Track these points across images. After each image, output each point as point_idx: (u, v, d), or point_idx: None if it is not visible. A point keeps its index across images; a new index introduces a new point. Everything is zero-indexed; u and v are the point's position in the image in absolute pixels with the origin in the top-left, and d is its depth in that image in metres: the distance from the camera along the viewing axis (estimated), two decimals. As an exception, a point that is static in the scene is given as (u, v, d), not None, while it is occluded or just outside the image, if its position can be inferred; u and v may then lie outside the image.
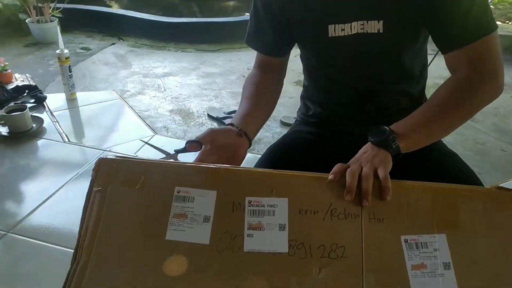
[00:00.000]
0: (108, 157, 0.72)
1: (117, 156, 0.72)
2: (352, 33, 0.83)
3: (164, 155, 0.80)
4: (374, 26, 0.81)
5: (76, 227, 1.18)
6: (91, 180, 0.68)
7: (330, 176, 0.69)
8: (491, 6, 4.27)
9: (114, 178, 0.68)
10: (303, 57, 1.00)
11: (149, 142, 1.81)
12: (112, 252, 0.64)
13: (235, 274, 0.62)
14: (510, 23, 4.17)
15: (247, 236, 0.65)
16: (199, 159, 0.77)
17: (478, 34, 0.75)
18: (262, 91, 0.92)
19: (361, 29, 0.82)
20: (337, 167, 0.70)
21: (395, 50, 0.85)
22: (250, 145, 0.81)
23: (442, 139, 0.97)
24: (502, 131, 2.35)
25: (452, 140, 2.21)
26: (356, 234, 0.65)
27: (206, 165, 0.72)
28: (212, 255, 0.63)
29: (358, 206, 0.67)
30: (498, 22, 4.27)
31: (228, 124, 0.82)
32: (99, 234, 0.65)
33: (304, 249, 0.64)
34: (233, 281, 0.62)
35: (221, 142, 0.77)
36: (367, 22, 0.81)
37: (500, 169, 2.03)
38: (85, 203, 0.67)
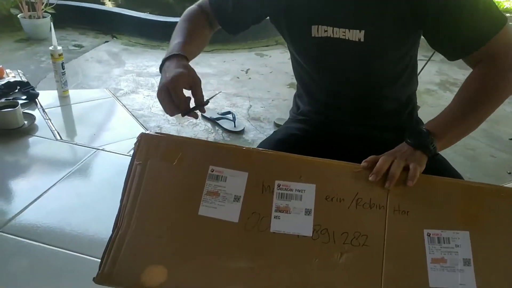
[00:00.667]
0: (149, 132, 0.77)
1: (157, 133, 0.76)
2: (334, 36, 0.84)
3: None
4: (355, 35, 0.81)
5: (68, 226, 1.17)
6: (133, 153, 0.73)
7: (363, 164, 0.72)
8: None
9: (153, 153, 0.74)
10: (291, 55, 1.01)
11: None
12: (149, 223, 0.69)
13: (260, 253, 0.66)
14: None
15: (274, 217, 0.68)
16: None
17: (489, 35, 0.75)
18: (199, 31, 0.92)
19: (343, 35, 0.83)
20: (371, 157, 0.73)
21: (376, 58, 0.86)
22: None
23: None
24: (492, 137, 2.38)
25: (444, 146, 2.24)
26: (380, 224, 0.67)
27: (240, 147, 0.76)
28: (240, 233, 0.67)
29: (384, 198, 0.69)
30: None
31: (177, 55, 0.79)
32: (138, 204, 0.70)
33: (328, 234, 0.67)
34: (258, 259, 0.66)
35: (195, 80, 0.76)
36: (349, 30, 0.82)
37: (491, 175, 2.06)
38: (126, 175, 0.72)
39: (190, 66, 0.78)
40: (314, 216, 0.68)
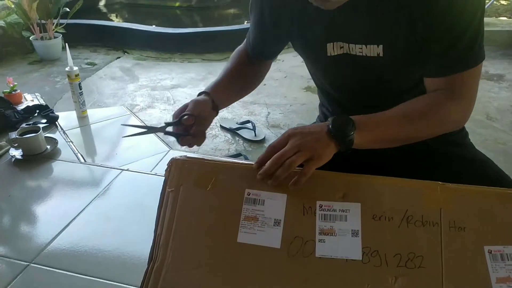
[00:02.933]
0: (180, 157, 0.74)
1: (187, 157, 0.74)
2: (351, 53, 0.81)
3: (145, 131, 0.83)
4: (373, 50, 0.78)
5: (100, 253, 1.14)
6: (164, 180, 0.71)
7: (255, 165, 0.70)
8: (495, 2, 4.25)
9: (186, 179, 0.71)
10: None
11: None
12: (186, 253, 0.66)
13: (307, 280, 0.62)
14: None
15: (319, 241, 0.64)
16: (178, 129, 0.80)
17: (463, 67, 0.74)
18: (244, 70, 0.95)
19: (359, 51, 0.80)
20: (265, 153, 0.70)
21: (396, 73, 0.82)
22: (217, 114, 0.87)
23: (470, 140, 0.97)
24: (521, 129, 2.30)
25: (472, 141, 2.15)
26: (435, 243, 0.63)
27: None
28: (284, 259, 0.64)
29: (437, 214, 0.64)
30: (503, 18, 4.26)
31: (203, 93, 0.85)
32: (173, 234, 0.67)
33: (379, 257, 0.62)
34: (304, 287, 0.62)
35: (203, 114, 0.81)
36: (366, 46, 0.78)
37: (525, 169, 1.97)
38: (159, 204, 0.69)
39: (200, 101, 0.82)
40: (362, 238, 0.64)
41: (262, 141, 2.25)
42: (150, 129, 0.83)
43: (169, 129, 0.80)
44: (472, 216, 0.64)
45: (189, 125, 0.80)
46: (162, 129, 0.80)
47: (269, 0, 0.87)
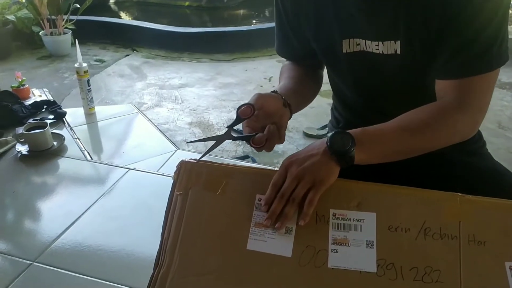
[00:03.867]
0: (189, 160, 0.71)
1: (197, 160, 0.71)
2: (368, 50, 0.77)
3: (214, 140, 0.73)
4: (391, 47, 0.74)
5: (105, 254, 1.11)
6: (173, 183, 0.69)
7: (263, 208, 0.65)
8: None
9: (195, 182, 0.68)
10: (326, 69, 0.96)
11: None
12: (194, 259, 0.63)
13: None
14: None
15: (332, 251, 0.62)
16: (248, 124, 0.71)
17: (479, 70, 0.69)
18: (303, 76, 0.89)
19: (376, 49, 0.76)
20: (269, 192, 0.65)
21: (414, 71, 0.78)
22: (290, 117, 0.77)
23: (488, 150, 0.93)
24: (534, 138, 2.25)
25: (483, 150, 2.13)
26: (453, 257, 0.60)
27: None
28: (295, 269, 0.61)
29: (456, 226, 0.61)
30: None
31: (272, 91, 0.77)
32: (180, 239, 0.65)
33: (395, 270, 0.60)
34: None
35: (270, 108, 0.71)
36: (383, 43, 0.75)
37: (539, 180, 1.93)
38: (167, 207, 0.67)
39: (265, 94, 0.73)
40: (377, 249, 0.61)
41: (270, 143, 2.23)
42: (217, 139, 0.73)
43: (234, 133, 0.71)
44: (493, 230, 0.61)
45: (251, 119, 0.69)
46: (228, 136, 0.71)
47: (285, 1, 0.84)
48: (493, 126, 2.36)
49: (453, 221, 0.62)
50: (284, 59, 0.98)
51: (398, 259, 0.60)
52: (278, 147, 2.20)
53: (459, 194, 0.65)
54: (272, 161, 2.09)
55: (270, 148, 0.71)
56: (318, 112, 2.57)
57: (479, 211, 0.62)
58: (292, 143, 2.24)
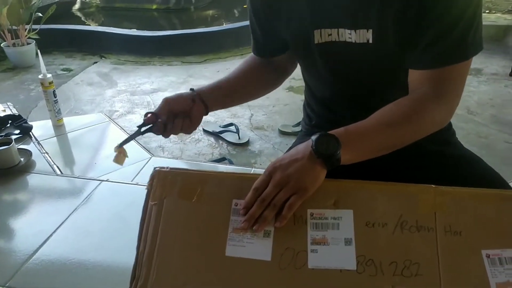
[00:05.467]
0: (163, 168, 0.70)
1: (171, 168, 0.70)
2: (340, 40, 0.77)
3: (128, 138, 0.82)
4: (363, 36, 0.74)
5: (80, 271, 1.07)
6: (147, 193, 0.67)
7: (241, 211, 0.65)
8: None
9: (169, 191, 0.67)
10: (300, 65, 0.95)
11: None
12: (172, 270, 0.62)
13: None
14: (492, 12, 4.20)
15: (311, 251, 0.61)
16: (158, 128, 0.79)
17: (454, 60, 0.69)
18: (248, 77, 0.92)
19: (349, 37, 0.76)
20: (250, 196, 0.65)
21: (387, 61, 0.77)
22: (206, 112, 0.84)
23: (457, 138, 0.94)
24: (502, 122, 2.32)
25: (455, 136, 2.18)
26: (431, 249, 0.60)
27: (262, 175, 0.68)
28: (275, 272, 0.60)
29: (431, 218, 0.62)
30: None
31: (191, 89, 0.85)
32: (157, 250, 0.63)
33: (374, 265, 0.60)
34: None
35: (177, 108, 0.80)
36: (355, 31, 0.74)
37: (509, 162, 1.99)
38: (141, 218, 0.66)
39: (176, 99, 0.82)
40: (356, 246, 0.61)
41: (246, 143, 2.21)
42: (129, 136, 0.82)
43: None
44: (468, 220, 0.62)
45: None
46: (138, 133, 0.81)
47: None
48: (462, 112, 2.42)
49: (428, 213, 0.62)
50: None
51: (377, 254, 0.60)
52: (254, 147, 2.19)
53: (433, 186, 0.65)
54: (249, 161, 2.08)
55: (175, 132, 0.80)
56: (292, 109, 2.57)
57: (453, 201, 0.63)
58: (268, 141, 2.23)
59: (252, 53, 0.96)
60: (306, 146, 0.67)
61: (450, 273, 0.59)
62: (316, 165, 0.64)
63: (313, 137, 0.66)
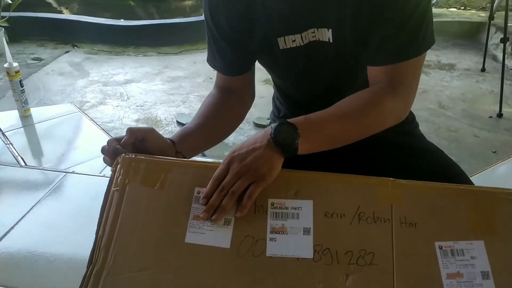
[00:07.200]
0: (128, 155, 0.69)
1: (137, 155, 0.70)
2: (304, 43, 0.77)
3: None
4: (325, 34, 0.75)
5: (42, 264, 1.04)
6: (110, 179, 0.67)
7: (201, 201, 0.64)
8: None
9: (133, 177, 0.67)
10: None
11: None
12: (130, 255, 0.62)
13: (257, 281, 0.60)
14: (467, 9, 4.28)
15: (270, 240, 0.62)
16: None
17: (407, 55, 0.72)
18: (214, 114, 0.84)
19: (312, 37, 0.77)
20: (209, 186, 0.64)
21: (349, 58, 0.79)
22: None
23: (421, 131, 0.96)
24: (472, 116, 2.38)
25: (426, 129, 2.22)
26: (386, 239, 0.62)
27: None
28: (233, 259, 0.61)
29: (388, 210, 0.63)
30: (453, 9, 4.41)
31: (168, 139, 0.77)
32: (116, 235, 0.63)
33: (330, 254, 0.61)
34: None
35: (148, 148, 0.72)
36: (318, 29, 0.75)
37: (476, 156, 2.05)
38: (103, 203, 0.65)
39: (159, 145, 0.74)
40: (314, 236, 0.62)
41: (220, 136, 2.20)
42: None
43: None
44: (423, 212, 0.63)
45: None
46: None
47: (221, 7, 0.80)
48: (434, 106, 2.47)
49: (385, 205, 0.64)
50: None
51: (333, 244, 0.62)
52: (229, 139, 2.18)
53: (391, 179, 0.66)
54: (222, 153, 2.07)
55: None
56: (267, 101, 2.56)
57: (409, 194, 0.64)
58: (243, 134, 2.23)
59: (209, 95, 0.89)
60: (264, 134, 0.67)
61: (403, 263, 0.60)
62: (274, 154, 0.65)
63: (273, 125, 0.66)
